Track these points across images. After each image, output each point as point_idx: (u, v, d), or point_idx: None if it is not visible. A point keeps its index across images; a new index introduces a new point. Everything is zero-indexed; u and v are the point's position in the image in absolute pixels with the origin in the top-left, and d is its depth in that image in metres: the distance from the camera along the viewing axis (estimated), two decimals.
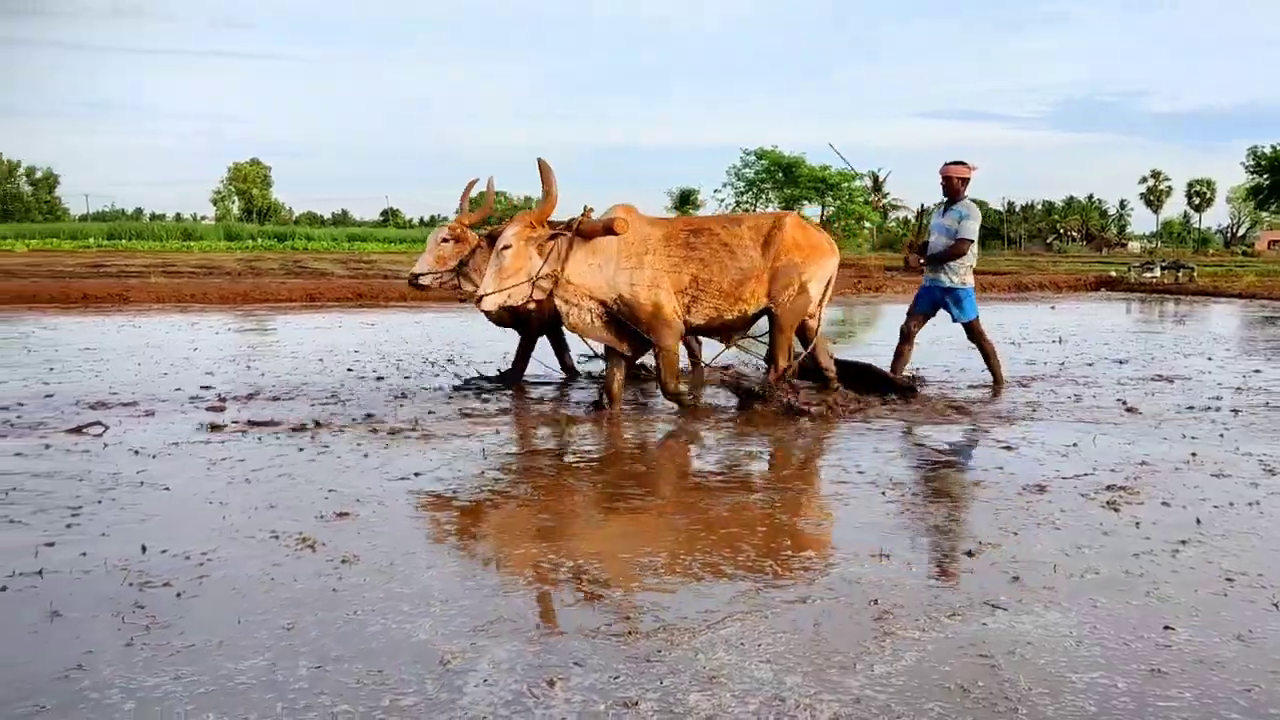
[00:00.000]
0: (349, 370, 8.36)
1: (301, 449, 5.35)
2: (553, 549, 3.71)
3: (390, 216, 77.50)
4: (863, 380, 7.17)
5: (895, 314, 16.07)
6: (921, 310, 7.78)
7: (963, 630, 2.98)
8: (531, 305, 6.26)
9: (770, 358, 6.75)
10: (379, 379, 7.93)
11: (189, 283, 18.24)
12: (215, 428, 5.86)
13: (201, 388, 7.30)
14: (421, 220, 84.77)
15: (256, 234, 52.65)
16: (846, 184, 31.82)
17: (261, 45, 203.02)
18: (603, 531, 4.03)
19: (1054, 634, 2.96)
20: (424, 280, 7.12)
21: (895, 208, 51.63)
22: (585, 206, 6.32)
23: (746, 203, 36.37)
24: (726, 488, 4.67)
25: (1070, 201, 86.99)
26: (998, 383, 7.68)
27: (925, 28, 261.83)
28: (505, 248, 6.06)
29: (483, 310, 6.29)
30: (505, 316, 7.30)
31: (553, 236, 6.13)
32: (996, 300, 18.99)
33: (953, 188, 7.60)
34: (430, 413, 6.44)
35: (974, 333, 7.75)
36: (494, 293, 6.03)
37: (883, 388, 7.06)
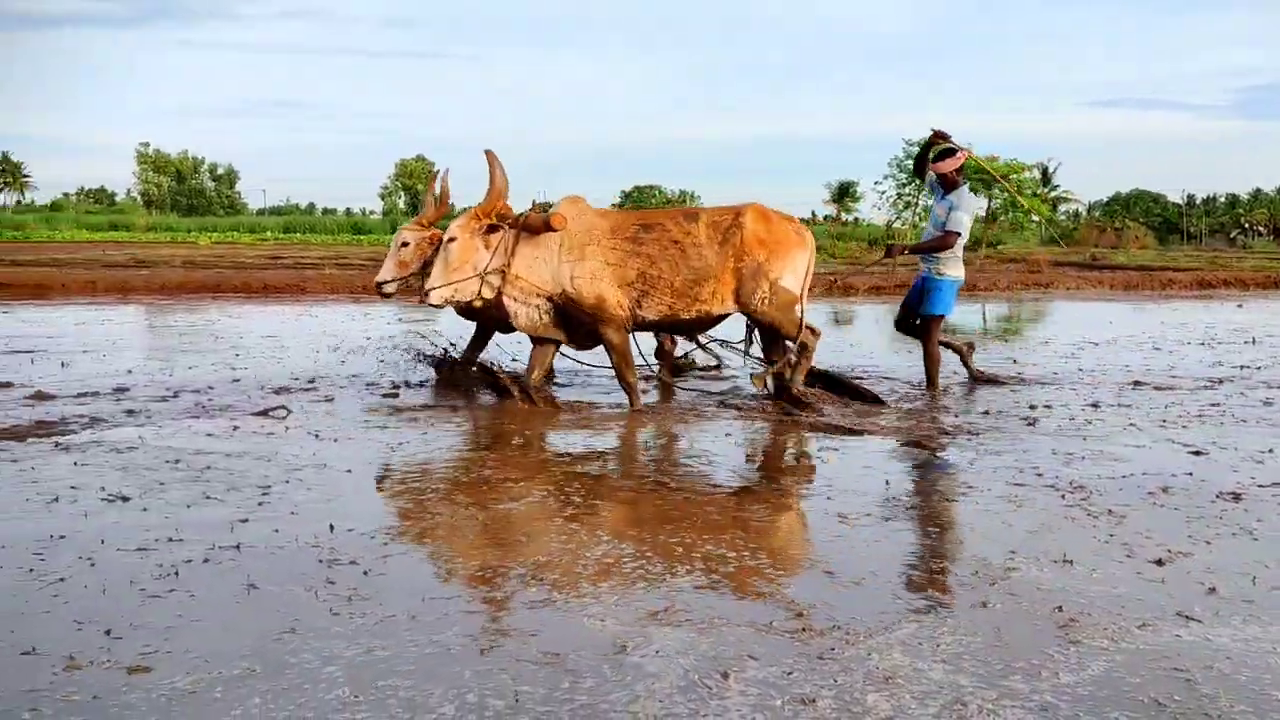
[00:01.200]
0: (514, 360, 8.55)
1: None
2: (725, 542, 3.71)
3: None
4: (835, 388, 6.85)
5: (1066, 311, 15.47)
6: (912, 303, 7.45)
7: (1154, 641, 2.84)
8: (479, 303, 6.18)
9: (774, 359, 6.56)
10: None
11: (360, 274, 18.95)
12: (395, 411, 6.10)
13: (376, 375, 7.58)
14: None
15: None
16: (1015, 175, 30.58)
17: (428, 44, 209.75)
18: (772, 528, 4.00)
19: (1255, 649, 2.79)
20: (388, 289, 6.71)
21: (1066, 200, 49.57)
22: (534, 201, 6.31)
23: (909, 195, 35.43)
24: (921, 491, 4.58)
25: (1257, 194, 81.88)
26: (931, 385, 7.24)
27: (1092, 10, 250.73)
28: (451, 240, 6.10)
29: (430, 305, 6.26)
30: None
31: (491, 229, 6.12)
32: (1179, 298, 18.05)
33: (948, 181, 7.17)
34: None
35: (924, 328, 7.28)
36: (440, 287, 6.07)
37: (852, 396, 6.72)
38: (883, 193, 36.76)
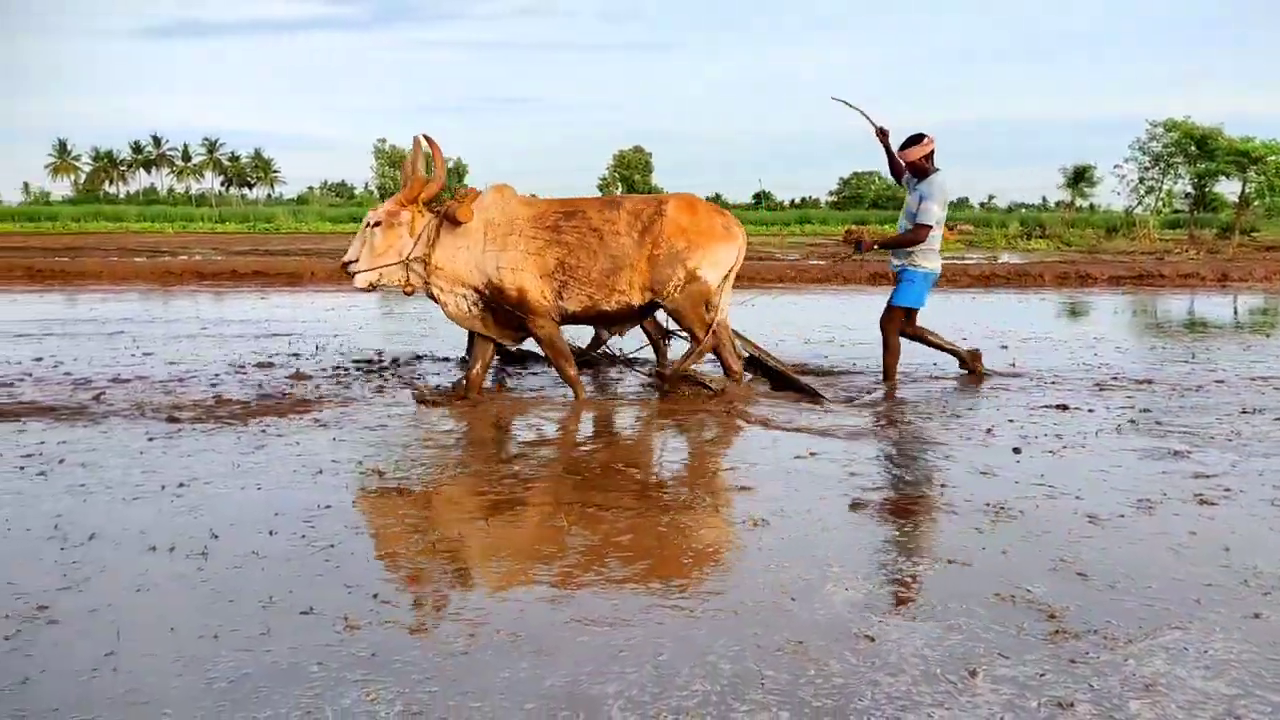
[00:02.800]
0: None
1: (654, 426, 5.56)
2: (969, 538, 3.62)
3: (762, 199, 78.65)
4: (775, 380, 6.60)
5: None
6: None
7: None
8: (409, 290, 6.10)
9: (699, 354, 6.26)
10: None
11: None
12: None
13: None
14: (792, 202, 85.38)
15: None
16: (1275, 157, 28.05)
17: (645, 36, 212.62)
18: (1019, 526, 3.86)
19: None
20: (362, 279, 6.10)
21: None
22: (456, 188, 6.05)
23: (1152, 179, 33.22)
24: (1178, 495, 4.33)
25: None
26: (888, 377, 6.87)
27: None
28: (375, 225, 6.05)
29: (356, 287, 6.12)
30: None
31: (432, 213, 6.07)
32: None
33: (918, 168, 6.77)
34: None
35: (887, 318, 6.89)
36: (365, 270, 6.01)
37: (794, 389, 6.43)
38: (1123, 177, 34.67)
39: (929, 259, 6.82)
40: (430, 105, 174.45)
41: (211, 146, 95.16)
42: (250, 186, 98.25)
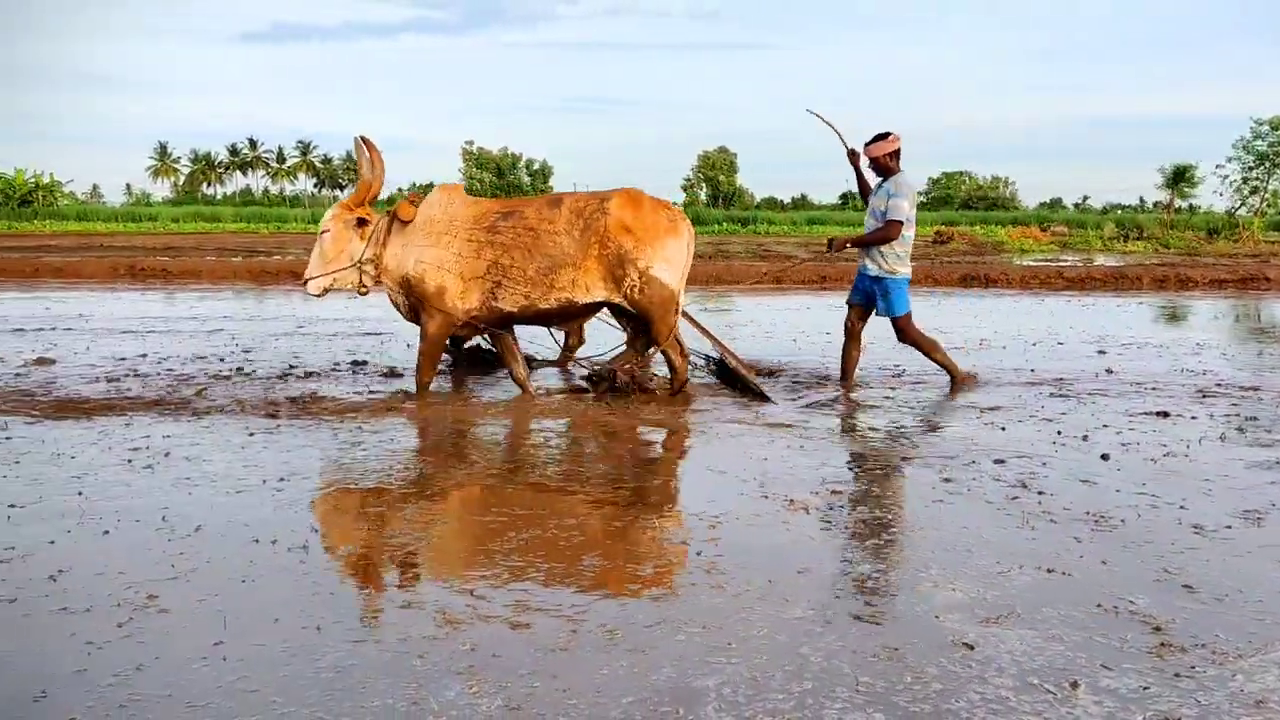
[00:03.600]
0: (822, 352, 8.51)
1: (790, 427, 5.53)
2: (1066, 551, 3.54)
3: (849, 199, 77.82)
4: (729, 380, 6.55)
5: None
6: (856, 301, 6.92)
7: None
8: (362, 292, 6.21)
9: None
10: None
11: None
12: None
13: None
14: None
15: (722, 219, 55.19)
16: None
17: (733, 36, 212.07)
18: (1121, 536, 3.77)
19: None
20: (315, 285, 6.26)
21: None
22: (400, 189, 5.94)
23: (1257, 179, 32.13)
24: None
25: None
26: (954, 380, 6.79)
27: None
28: (324, 231, 6.19)
29: (311, 294, 6.26)
30: None
31: (361, 222, 6.17)
32: None
33: (882, 166, 6.70)
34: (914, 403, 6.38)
35: (901, 331, 6.77)
36: (317, 277, 6.18)
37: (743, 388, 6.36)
38: (1225, 177, 33.58)
39: (904, 264, 6.74)
40: (517, 106, 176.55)
41: (305, 148, 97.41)
42: (342, 188, 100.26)
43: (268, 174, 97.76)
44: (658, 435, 5.40)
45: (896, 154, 6.72)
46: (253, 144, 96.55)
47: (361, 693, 2.42)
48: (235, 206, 64.48)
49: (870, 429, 5.51)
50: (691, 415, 5.81)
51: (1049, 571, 3.29)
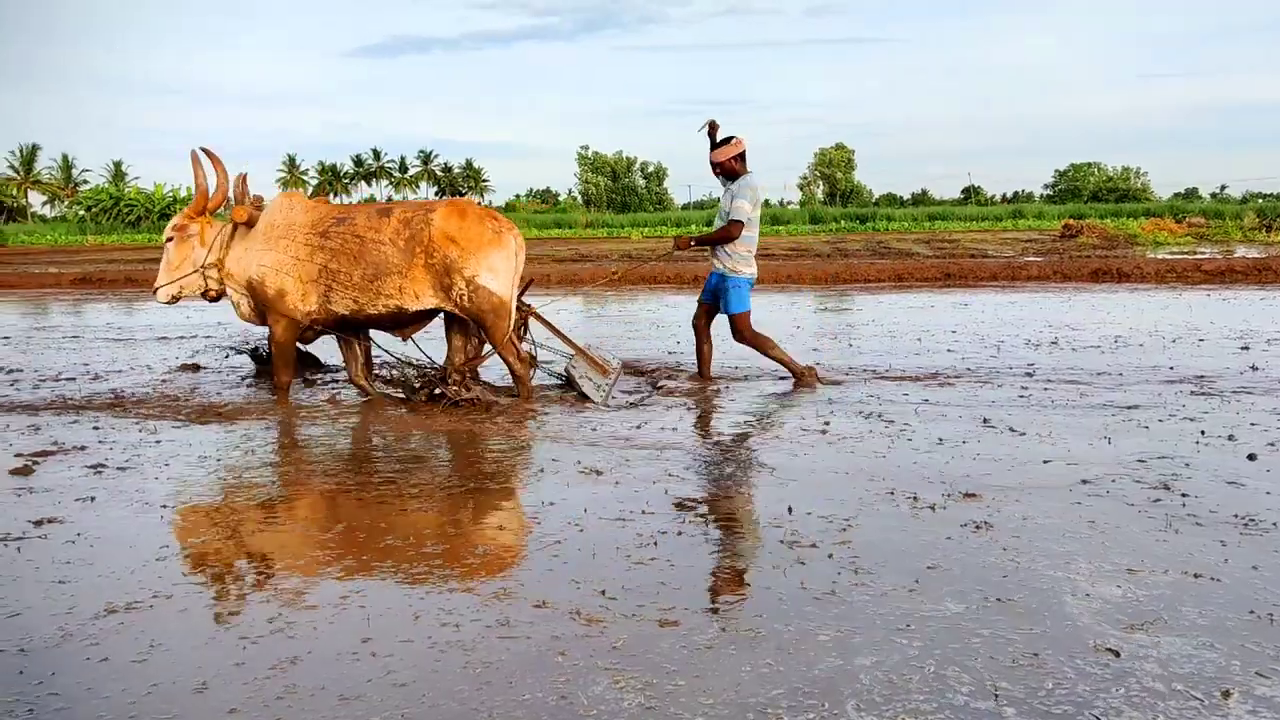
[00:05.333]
0: (949, 350, 8.35)
1: (903, 430, 5.46)
2: (1213, 556, 3.41)
3: (972, 194, 76.17)
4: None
5: None
6: (705, 300, 7.16)
7: None
8: (212, 295, 6.45)
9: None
10: (999, 360, 7.81)
11: (784, 265, 19.37)
12: (830, 401, 6.19)
13: (807, 367, 7.70)
14: (1004, 197, 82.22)
15: (839, 216, 54.59)
16: None
17: (851, 30, 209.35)
18: (1259, 543, 3.61)
19: None
20: (163, 293, 6.51)
21: None
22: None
23: None
24: None
25: None
26: (796, 377, 6.93)
27: None
28: (168, 240, 6.42)
29: (160, 303, 6.50)
30: None
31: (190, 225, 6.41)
32: None
33: (727, 169, 6.96)
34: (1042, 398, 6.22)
35: (737, 331, 6.96)
36: (165, 285, 6.44)
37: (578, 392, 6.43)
38: None
39: (749, 264, 6.94)
40: (631, 109, 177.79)
41: (426, 158, 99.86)
42: (462, 195, 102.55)
43: (391, 183, 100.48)
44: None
45: (741, 157, 6.98)
46: (376, 154, 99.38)
47: (510, 688, 2.49)
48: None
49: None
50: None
51: (1195, 576, 3.18)
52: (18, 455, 5.06)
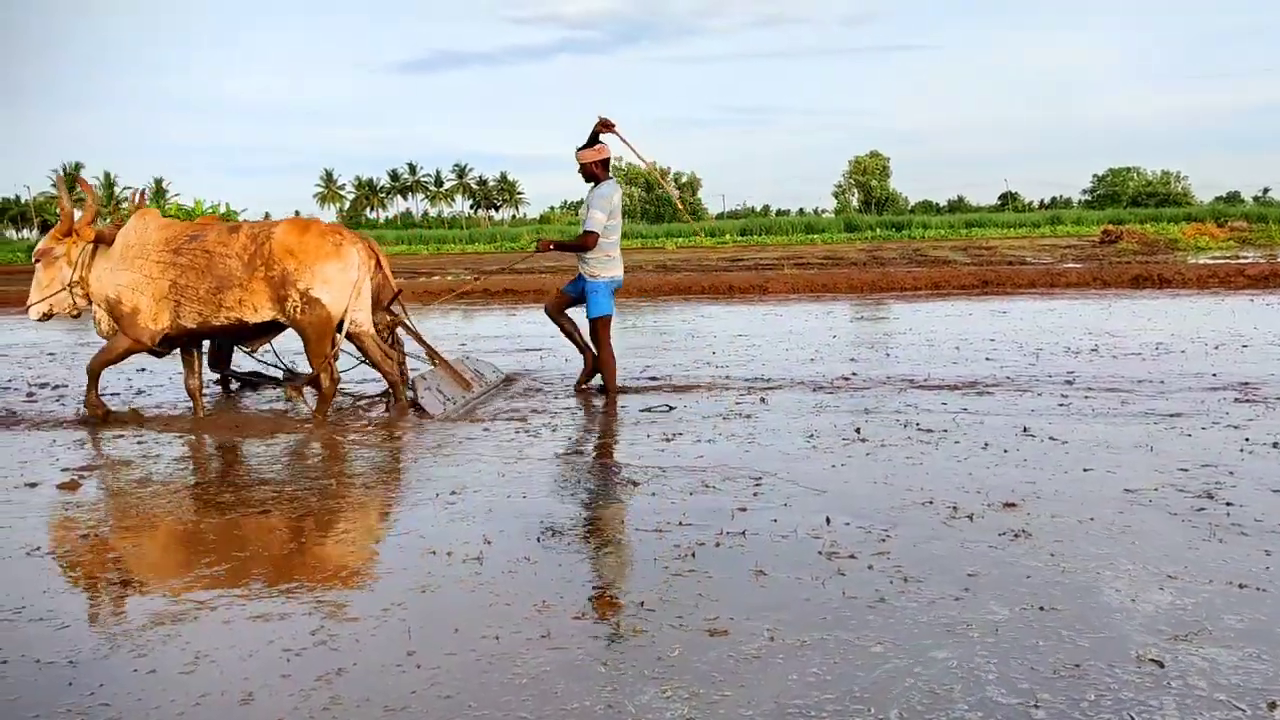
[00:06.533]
0: (987, 359, 8.29)
1: (941, 439, 5.43)
2: (1258, 565, 3.37)
3: (1009, 200, 75.56)
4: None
5: None
6: (570, 291, 7.34)
7: None
8: (75, 312, 6.64)
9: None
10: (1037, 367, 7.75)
11: (820, 273, 19.31)
12: (867, 411, 6.17)
13: (843, 377, 7.68)
14: (1041, 203, 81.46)
15: (875, 224, 54.33)
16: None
17: (887, 38, 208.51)
18: None
19: None
20: (34, 311, 6.68)
21: None
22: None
23: None
24: None
25: None
26: (609, 391, 7.06)
27: None
28: (36, 261, 6.62)
29: (33, 320, 6.67)
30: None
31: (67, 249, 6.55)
32: None
33: (588, 171, 7.07)
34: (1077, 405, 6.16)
35: (593, 332, 7.10)
36: (36, 303, 6.62)
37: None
38: None
39: (606, 267, 7.02)
40: (665, 120, 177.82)
41: (461, 171, 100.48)
42: (497, 208, 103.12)
43: (426, 197, 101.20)
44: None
45: (605, 163, 7.07)
46: (412, 169, 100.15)
47: (556, 697, 2.51)
48: (397, 230, 67.02)
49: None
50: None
51: (1240, 586, 3.14)
52: (64, 469, 5.17)
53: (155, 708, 2.52)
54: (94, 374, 6.66)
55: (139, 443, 5.91)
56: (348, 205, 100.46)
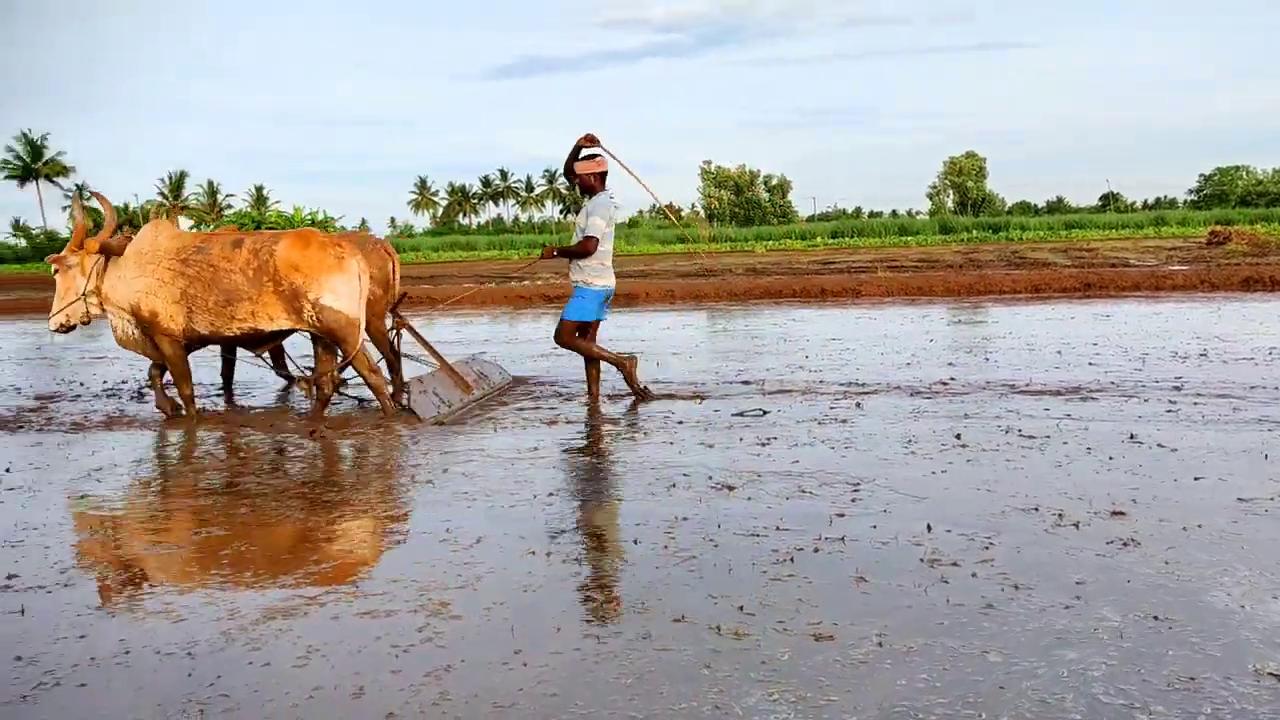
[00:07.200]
0: (1090, 364, 8.09)
1: (1044, 445, 5.31)
2: None
3: (1110, 201, 73.44)
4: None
5: None
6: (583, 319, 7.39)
7: None
8: (86, 320, 6.93)
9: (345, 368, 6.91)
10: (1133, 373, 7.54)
11: (914, 276, 19.04)
12: (966, 416, 6.08)
13: (941, 382, 7.57)
14: (1145, 204, 79.05)
15: (970, 226, 53.30)
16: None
17: (981, 37, 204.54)
18: None
19: None
20: (53, 321, 7.04)
21: None
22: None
23: None
24: None
25: None
26: (590, 391, 7.38)
27: None
28: (56, 273, 6.92)
29: (51, 330, 7.00)
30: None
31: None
32: None
33: (585, 185, 7.23)
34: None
35: (558, 331, 7.28)
36: (54, 315, 6.99)
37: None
38: None
39: (600, 276, 7.18)
40: (755, 122, 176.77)
41: (551, 177, 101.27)
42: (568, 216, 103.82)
43: (517, 202, 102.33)
44: None
45: (601, 176, 7.21)
46: (503, 174, 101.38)
47: (661, 697, 2.53)
48: (488, 235, 67.87)
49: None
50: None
51: None
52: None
53: (270, 700, 2.60)
54: (187, 398, 7.08)
55: (249, 442, 6.10)
56: (441, 211, 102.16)
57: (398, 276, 7.68)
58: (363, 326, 6.87)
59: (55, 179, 70.34)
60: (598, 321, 7.37)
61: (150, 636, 3.07)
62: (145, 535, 4.22)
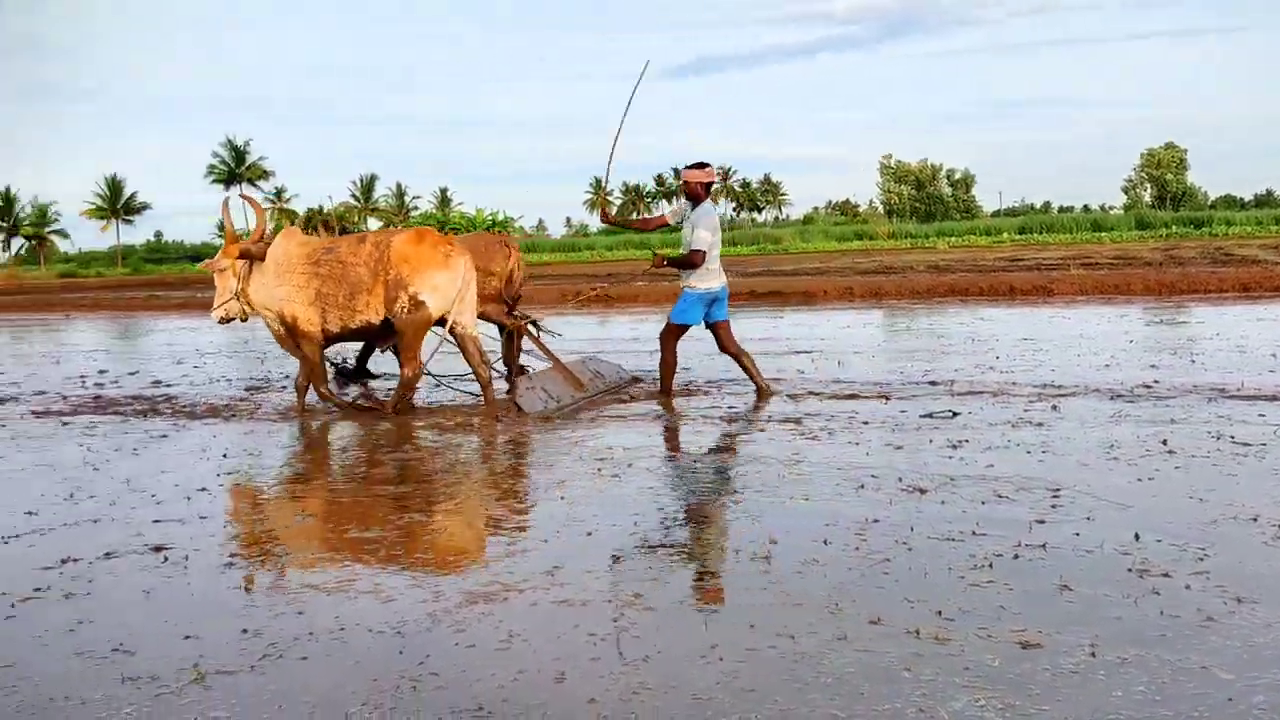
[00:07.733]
0: None
1: (1260, 452, 4.98)
2: None
3: None
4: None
5: None
6: (706, 321, 7.47)
7: None
8: (242, 318, 7.42)
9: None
10: None
11: (1110, 274, 18.17)
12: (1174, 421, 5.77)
13: (1144, 384, 7.19)
14: None
15: (1170, 221, 50.39)
16: None
17: (1181, 21, 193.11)
18: None
19: None
20: (214, 315, 7.50)
21: None
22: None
23: None
24: None
25: None
26: (664, 390, 7.50)
27: None
28: (219, 270, 7.34)
29: (215, 321, 7.46)
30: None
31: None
32: None
33: (692, 193, 7.27)
34: None
35: (666, 332, 7.42)
36: (215, 309, 7.45)
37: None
38: None
39: (704, 279, 7.25)
40: (936, 115, 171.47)
41: (725, 174, 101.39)
42: (759, 210, 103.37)
43: None
44: None
45: (708, 186, 7.28)
46: (676, 173, 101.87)
47: (864, 698, 2.51)
48: (662, 234, 68.40)
49: None
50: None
51: None
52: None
53: (477, 680, 2.70)
54: (302, 390, 7.45)
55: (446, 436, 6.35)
56: (615, 210, 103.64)
57: (520, 273, 8.10)
58: (474, 321, 7.24)
59: (256, 182, 74.66)
60: (726, 322, 7.44)
61: (362, 615, 3.24)
62: (350, 519, 4.44)
